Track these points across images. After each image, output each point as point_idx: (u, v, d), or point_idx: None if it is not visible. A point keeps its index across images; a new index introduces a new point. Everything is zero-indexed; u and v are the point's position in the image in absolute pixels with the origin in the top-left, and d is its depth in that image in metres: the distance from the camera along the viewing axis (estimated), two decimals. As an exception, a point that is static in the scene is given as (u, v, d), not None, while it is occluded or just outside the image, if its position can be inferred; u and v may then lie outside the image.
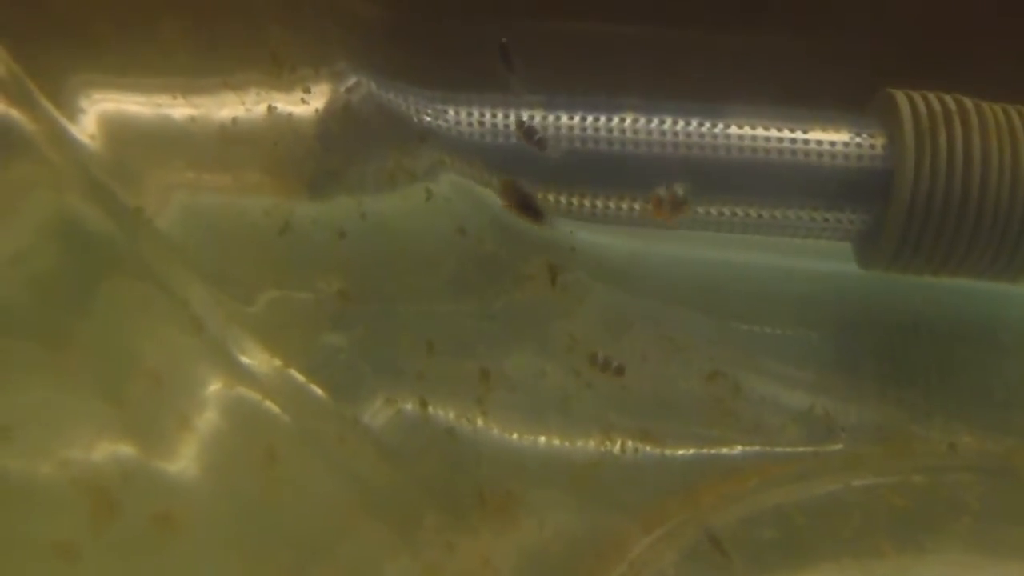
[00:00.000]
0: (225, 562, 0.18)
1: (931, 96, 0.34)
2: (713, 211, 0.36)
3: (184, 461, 0.19)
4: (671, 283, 0.36)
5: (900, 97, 0.34)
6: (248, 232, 0.25)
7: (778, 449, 0.31)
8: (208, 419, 0.20)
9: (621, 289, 0.33)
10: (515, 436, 0.27)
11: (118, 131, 0.23)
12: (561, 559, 0.26)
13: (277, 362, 0.23)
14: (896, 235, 0.35)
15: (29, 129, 0.20)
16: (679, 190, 0.30)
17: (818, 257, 0.38)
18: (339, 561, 0.20)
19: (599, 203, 0.35)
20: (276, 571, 0.18)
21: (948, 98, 0.34)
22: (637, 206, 0.35)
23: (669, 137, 0.35)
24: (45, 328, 0.18)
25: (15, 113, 0.20)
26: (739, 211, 0.36)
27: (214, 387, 0.21)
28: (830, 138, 0.36)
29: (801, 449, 0.31)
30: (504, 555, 0.24)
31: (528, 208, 0.25)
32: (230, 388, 0.21)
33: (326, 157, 0.27)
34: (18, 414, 0.17)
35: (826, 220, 0.37)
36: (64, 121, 0.21)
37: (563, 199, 0.34)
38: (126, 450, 0.18)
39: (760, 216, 0.37)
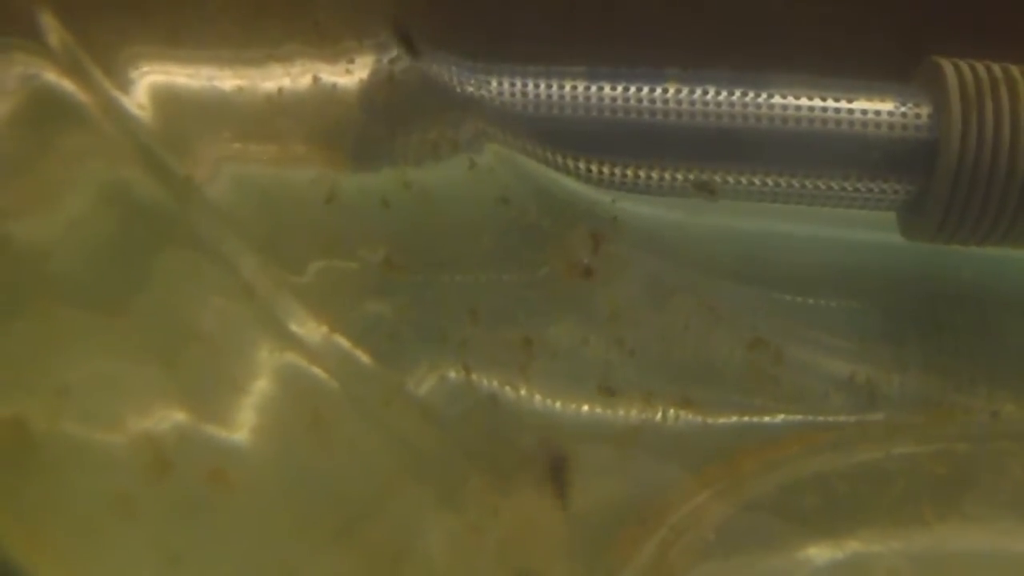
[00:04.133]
0: (275, 518, 0.18)
1: (978, 65, 0.34)
2: (756, 181, 0.36)
3: (236, 423, 0.20)
4: (713, 254, 0.36)
5: (946, 66, 0.34)
6: (295, 202, 0.26)
7: (820, 418, 0.31)
8: (258, 383, 0.21)
9: (663, 259, 0.33)
10: (557, 403, 0.27)
11: (167, 102, 0.23)
12: (603, 523, 0.26)
13: (324, 329, 0.23)
14: (941, 206, 0.35)
15: (82, 100, 0.20)
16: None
17: (862, 228, 0.38)
18: (385, 520, 0.20)
19: (641, 174, 0.35)
20: (324, 528, 0.19)
21: (995, 67, 0.33)
22: (679, 176, 0.35)
23: (712, 107, 0.35)
24: (102, 296, 0.19)
25: (68, 84, 0.20)
26: (782, 181, 0.36)
27: (264, 353, 0.21)
28: (875, 107, 0.36)
29: (843, 418, 0.31)
30: (547, 518, 0.24)
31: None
32: (279, 354, 0.22)
33: (370, 127, 0.28)
34: (76, 377, 0.17)
35: (870, 190, 0.37)
36: (115, 92, 0.22)
37: (605, 169, 0.34)
38: (180, 413, 0.18)
39: (804, 186, 0.37)
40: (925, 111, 0.35)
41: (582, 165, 0.34)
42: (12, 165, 0.19)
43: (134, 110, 0.22)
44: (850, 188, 0.37)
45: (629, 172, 0.35)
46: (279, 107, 0.25)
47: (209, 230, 0.22)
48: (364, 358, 0.24)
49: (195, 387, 0.19)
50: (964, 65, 0.34)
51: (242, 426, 0.20)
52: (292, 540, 0.18)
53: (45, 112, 0.20)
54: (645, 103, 0.35)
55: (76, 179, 0.20)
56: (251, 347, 0.21)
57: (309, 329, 0.23)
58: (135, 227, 0.21)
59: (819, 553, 0.28)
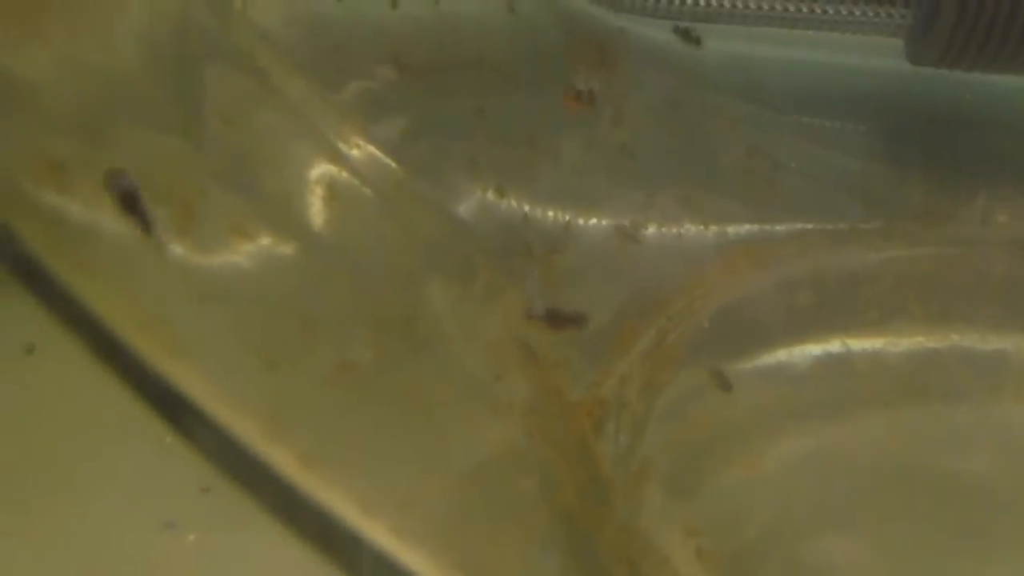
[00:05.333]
0: (293, 274, 0.20)
1: None
2: (765, 6, 0.36)
3: (264, 203, 0.21)
4: (721, 76, 0.36)
5: None
6: (317, 17, 0.27)
7: (816, 225, 0.32)
8: (302, 193, 0.22)
9: (670, 76, 0.34)
10: (561, 199, 0.28)
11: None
12: (604, 313, 0.27)
13: (344, 130, 0.25)
14: (947, 30, 0.36)
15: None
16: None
17: (869, 53, 0.38)
18: (399, 287, 0.22)
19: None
20: (341, 285, 0.20)
21: None
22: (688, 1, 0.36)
23: (722, -71, 0.35)
24: (165, 107, 0.20)
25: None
26: (790, 6, 0.37)
27: (307, 166, 0.23)
28: (885, -69, 0.36)
29: (841, 226, 0.32)
30: (550, 301, 0.26)
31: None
32: (319, 165, 0.23)
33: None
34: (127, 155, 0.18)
35: (878, 15, 0.37)
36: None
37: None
38: (213, 185, 0.20)
39: (813, 11, 0.37)
40: (935, -66, 0.36)
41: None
42: None
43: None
44: (859, 13, 0.38)
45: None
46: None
47: (254, 50, 0.23)
48: (381, 156, 0.26)
49: (234, 174, 0.21)
50: None
51: (269, 204, 0.21)
52: (312, 289, 0.19)
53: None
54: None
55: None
56: (288, 153, 0.23)
57: (341, 138, 0.25)
58: (187, 45, 0.22)
59: (811, 345, 0.29)
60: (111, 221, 0.16)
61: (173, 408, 0.14)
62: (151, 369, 0.14)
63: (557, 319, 0.26)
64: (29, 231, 0.14)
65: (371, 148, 0.25)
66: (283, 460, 0.14)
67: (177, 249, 0.17)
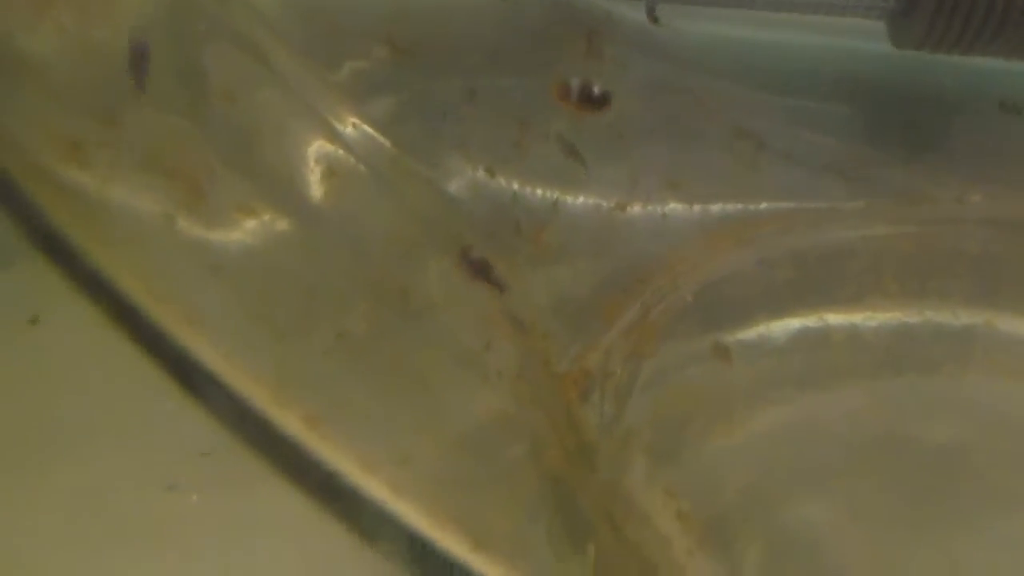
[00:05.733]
0: (293, 247, 0.21)
1: None
2: (750, -12, 0.37)
3: (266, 180, 0.22)
4: (706, 58, 0.37)
5: None
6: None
7: (797, 204, 0.33)
8: (301, 170, 0.23)
9: (657, 59, 0.35)
10: (548, 178, 0.29)
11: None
12: (589, 287, 0.28)
13: (342, 112, 0.26)
14: (928, 14, 0.37)
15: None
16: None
17: (853, 36, 0.39)
18: (395, 262, 0.23)
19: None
20: (340, 258, 0.21)
21: None
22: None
23: (707, -85, 0.36)
24: (169, 87, 0.21)
25: None
26: (776, -12, 0.38)
27: (306, 144, 0.24)
28: (868, -84, 0.37)
29: (821, 205, 0.33)
30: (537, 276, 0.27)
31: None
32: (317, 143, 0.24)
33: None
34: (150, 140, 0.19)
35: (860, -1, 0.38)
36: None
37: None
38: (219, 165, 0.21)
39: (796, -7, 0.38)
40: (916, -81, 0.37)
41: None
42: None
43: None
44: (841, -3, 0.38)
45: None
46: None
47: (251, 30, 0.24)
48: (376, 135, 0.27)
49: (237, 152, 0.22)
50: None
51: (271, 182, 0.22)
52: (313, 262, 0.21)
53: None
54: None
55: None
56: (297, 139, 0.24)
57: (337, 117, 0.26)
58: (187, 27, 0.23)
59: (791, 319, 0.30)
60: (126, 197, 0.17)
61: (188, 374, 0.15)
62: (167, 337, 0.15)
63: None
64: (49, 205, 0.15)
65: (365, 127, 0.26)
66: (290, 422, 0.15)
67: (187, 224, 0.18)
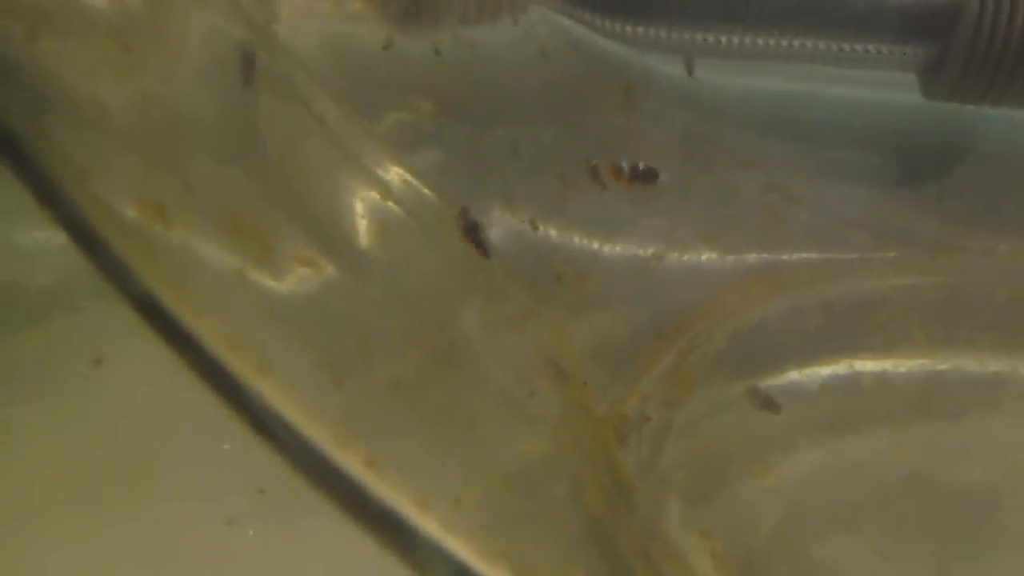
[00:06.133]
0: (350, 296, 0.22)
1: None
2: (784, 43, 0.39)
3: (326, 235, 0.24)
4: (740, 110, 0.39)
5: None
6: (360, 54, 0.29)
7: (828, 255, 0.34)
8: (354, 224, 0.25)
9: (691, 112, 0.36)
10: (588, 230, 0.31)
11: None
12: (627, 335, 0.30)
13: (392, 166, 0.27)
14: (959, 67, 0.38)
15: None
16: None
17: (885, 88, 0.40)
18: (440, 309, 0.24)
19: (673, 35, 0.38)
20: (392, 307, 0.23)
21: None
22: (709, 38, 0.38)
23: (742, -27, 0.38)
24: (229, 141, 0.23)
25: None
26: (808, 43, 0.39)
27: (356, 196, 0.25)
28: (900, -27, 0.38)
29: (851, 256, 0.34)
30: (577, 324, 0.28)
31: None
32: (365, 194, 0.25)
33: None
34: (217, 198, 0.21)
35: (892, 52, 0.39)
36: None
37: (639, 30, 0.37)
38: (283, 220, 0.22)
39: (829, 48, 0.39)
40: (947, -24, 0.38)
41: (616, 26, 0.36)
42: (143, 27, 0.22)
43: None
44: (873, 50, 0.40)
45: (662, 33, 0.38)
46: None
47: (298, 81, 0.26)
48: (421, 188, 0.28)
49: (295, 205, 0.23)
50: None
51: (327, 234, 0.24)
52: (368, 313, 0.22)
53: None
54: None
55: (190, 37, 0.23)
56: (336, 182, 0.25)
57: (382, 167, 0.27)
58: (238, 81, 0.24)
59: (821, 367, 0.31)
60: (203, 252, 0.19)
61: (259, 417, 0.17)
62: (238, 383, 0.17)
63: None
64: (139, 263, 0.16)
65: (412, 180, 0.27)
66: (351, 463, 0.17)
67: (255, 276, 0.19)
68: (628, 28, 0.37)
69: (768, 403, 0.30)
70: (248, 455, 0.18)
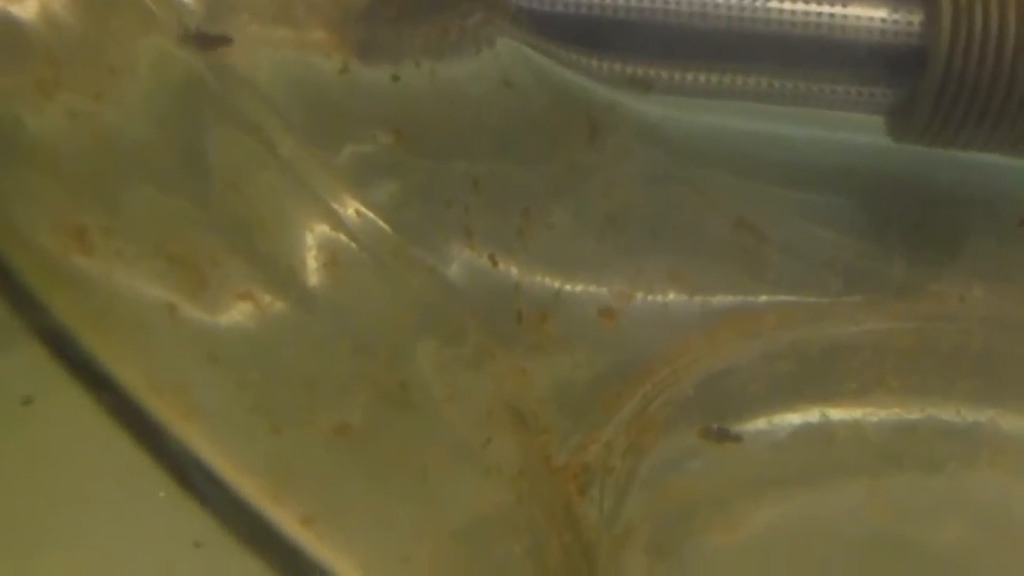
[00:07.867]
0: (295, 335, 0.21)
1: (969, -27, 0.35)
2: (751, 82, 0.38)
3: (267, 267, 0.22)
4: (708, 149, 0.38)
5: (938, -27, 0.35)
6: (317, 84, 0.28)
7: (798, 298, 0.33)
8: (303, 257, 0.23)
9: (658, 149, 0.35)
10: (551, 268, 0.29)
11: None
12: (590, 379, 0.28)
13: (346, 198, 0.26)
14: (927, 110, 0.37)
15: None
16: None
17: (854, 129, 0.40)
18: (393, 351, 0.23)
19: (639, 71, 0.37)
20: (342, 348, 0.21)
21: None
22: (676, 75, 0.37)
23: (710, 9, 0.37)
24: (172, 168, 0.21)
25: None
26: (776, 83, 0.38)
27: (308, 230, 0.24)
28: (868, 14, 0.37)
29: (823, 299, 0.33)
30: (538, 366, 0.27)
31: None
32: (315, 226, 0.24)
33: (382, 12, 0.30)
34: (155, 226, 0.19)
35: (860, 94, 0.38)
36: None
37: (604, 65, 0.36)
38: (222, 251, 0.21)
39: (797, 88, 0.38)
40: (917, 19, 0.37)
41: (583, 59, 0.35)
42: (79, 46, 0.21)
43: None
44: (841, 91, 0.39)
45: (628, 69, 0.37)
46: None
47: (253, 111, 0.24)
48: (378, 221, 0.27)
49: (239, 237, 0.22)
50: (955, -27, 0.35)
51: (272, 268, 0.22)
52: (313, 353, 0.20)
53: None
54: (646, 3, 0.37)
55: (137, 55, 0.22)
56: (286, 213, 0.24)
57: (336, 199, 0.26)
58: (193, 106, 0.23)
59: (791, 414, 0.30)
60: (129, 284, 0.17)
61: (182, 466, 0.15)
62: (163, 429, 0.15)
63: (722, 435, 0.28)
64: (49, 292, 0.15)
65: (368, 212, 0.26)
66: (286, 519, 0.15)
67: (188, 312, 0.18)
68: (594, 62, 0.36)
69: (723, 435, 0.28)
70: (184, 505, 0.16)
